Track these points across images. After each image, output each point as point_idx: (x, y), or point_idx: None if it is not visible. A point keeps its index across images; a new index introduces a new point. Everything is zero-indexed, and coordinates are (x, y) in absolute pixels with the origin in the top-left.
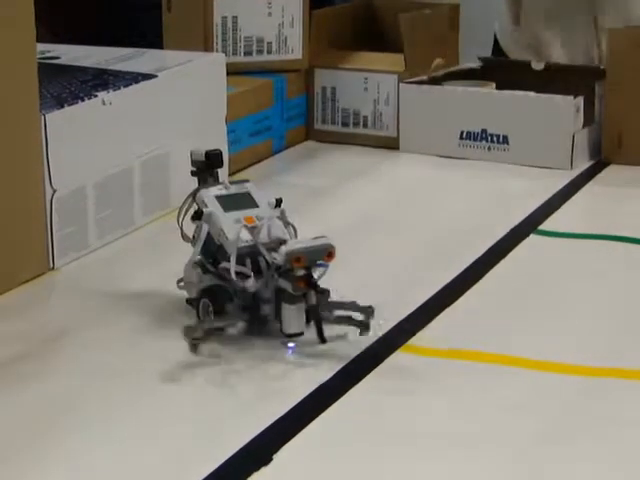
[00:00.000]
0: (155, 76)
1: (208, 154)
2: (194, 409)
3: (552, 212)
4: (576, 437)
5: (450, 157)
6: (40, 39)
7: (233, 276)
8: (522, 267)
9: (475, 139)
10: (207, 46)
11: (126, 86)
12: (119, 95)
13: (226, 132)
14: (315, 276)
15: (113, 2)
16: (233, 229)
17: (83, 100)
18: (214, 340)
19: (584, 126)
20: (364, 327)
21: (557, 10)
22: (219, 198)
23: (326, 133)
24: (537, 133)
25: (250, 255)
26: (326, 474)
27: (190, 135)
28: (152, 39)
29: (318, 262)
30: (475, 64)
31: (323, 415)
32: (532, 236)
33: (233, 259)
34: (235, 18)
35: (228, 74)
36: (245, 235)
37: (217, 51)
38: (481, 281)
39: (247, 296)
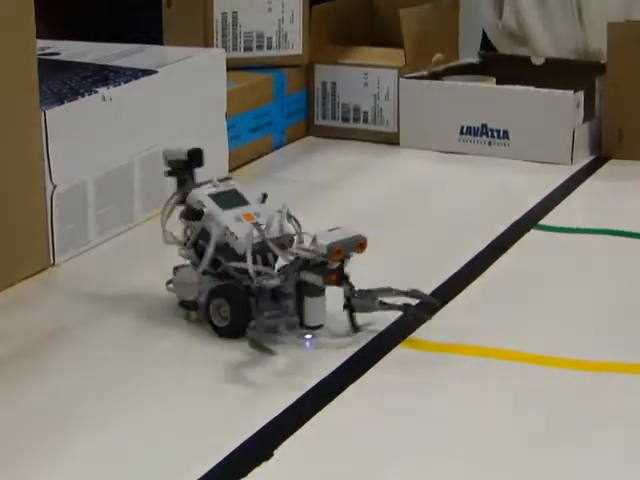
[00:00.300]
0: (155, 72)
1: (191, 152)
2: (194, 405)
3: (552, 207)
4: (578, 432)
5: (450, 152)
6: (40, 36)
7: (252, 274)
8: (523, 262)
9: (475, 134)
10: (207, 42)
11: (126, 82)
12: (119, 91)
13: (226, 128)
14: None
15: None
16: (239, 227)
17: (83, 96)
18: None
19: (584, 121)
20: (413, 309)
21: (541, 0)
22: (213, 197)
23: (326, 128)
24: (537, 128)
25: (259, 252)
26: (327, 469)
27: (190, 131)
28: (152, 37)
29: (350, 253)
30: (475, 59)
31: (324, 410)
32: (532, 231)
33: (249, 257)
34: (235, 14)
35: (228, 70)
36: (254, 232)
37: (217, 47)
38: (482, 276)
39: (265, 293)
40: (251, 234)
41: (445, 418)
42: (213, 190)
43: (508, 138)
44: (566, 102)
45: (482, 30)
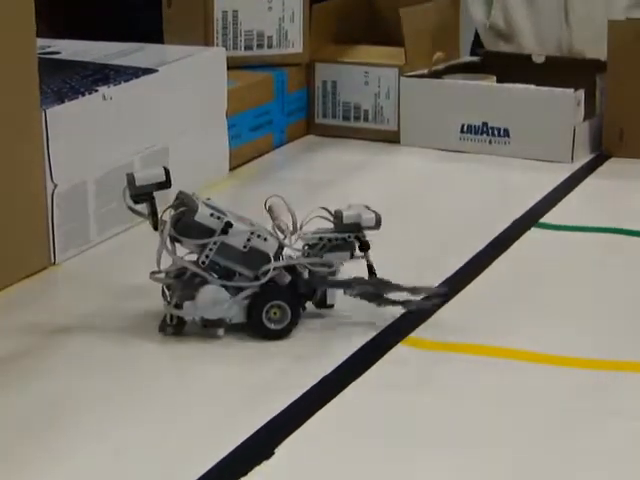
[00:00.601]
0: (155, 71)
1: (167, 171)
2: (195, 404)
3: (553, 205)
4: (580, 431)
5: (451, 150)
6: (40, 35)
7: (310, 267)
8: (524, 260)
9: (476, 132)
10: (207, 40)
11: (126, 81)
12: (119, 90)
13: (226, 126)
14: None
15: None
16: (260, 229)
17: (84, 95)
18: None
19: (585, 119)
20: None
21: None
22: (218, 210)
23: (327, 127)
24: (538, 126)
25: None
26: (327, 468)
27: (190, 130)
28: (152, 36)
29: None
30: (476, 57)
31: (324, 409)
32: (533, 229)
33: (294, 252)
34: (235, 12)
35: (228, 68)
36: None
37: (217, 45)
38: (482, 275)
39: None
40: (279, 235)
41: (445, 417)
42: (212, 204)
43: (509, 136)
44: (567, 100)
45: (475, 29)
